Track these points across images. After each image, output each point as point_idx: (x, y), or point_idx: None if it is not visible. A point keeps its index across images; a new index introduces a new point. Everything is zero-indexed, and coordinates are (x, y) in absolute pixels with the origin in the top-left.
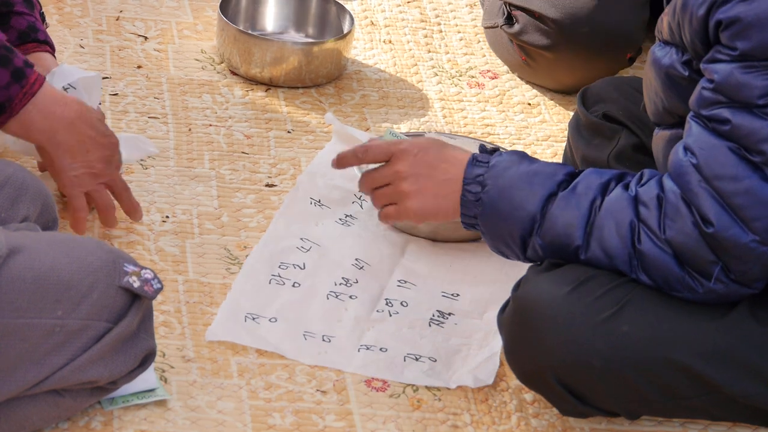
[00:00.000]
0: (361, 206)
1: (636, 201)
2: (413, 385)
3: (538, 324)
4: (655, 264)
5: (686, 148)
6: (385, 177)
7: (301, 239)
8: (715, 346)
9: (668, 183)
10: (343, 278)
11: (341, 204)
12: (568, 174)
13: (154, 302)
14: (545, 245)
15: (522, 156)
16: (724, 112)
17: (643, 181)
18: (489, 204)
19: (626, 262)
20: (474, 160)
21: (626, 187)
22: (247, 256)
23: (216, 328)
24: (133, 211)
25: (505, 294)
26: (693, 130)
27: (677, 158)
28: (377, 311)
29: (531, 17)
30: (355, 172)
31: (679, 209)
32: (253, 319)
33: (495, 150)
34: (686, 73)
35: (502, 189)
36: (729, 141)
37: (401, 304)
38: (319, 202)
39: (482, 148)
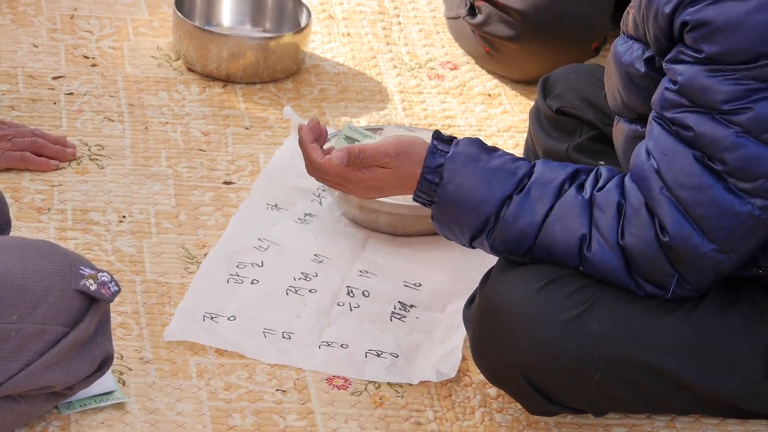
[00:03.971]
0: (320, 203)
1: (590, 205)
2: (375, 382)
3: (507, 322)
4: (600, 269)
5: (648, 152)
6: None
7: (259, 239)
8: (685, 342)
9: (631, 188)
10: (302, 273)
11: (300, 203)
12: (527, 172)
13: (111, 304)
14: (495, 246)
15: (480, 147)
16: (688, 118)
17: (600, 184)
18: (444, 198)
19: (570, 265)
20: (434, 149)
21: (580, 188)
22: (205, 255)
23: (174, 328)
24: (60, 152)
25: (468, 285)
26: (655, 132)
27: (639, 161)
28: (338, 304)
29: (494, 8)
30: None
31: (641, 216)
32: (212, 318)
33: (452, 139)
34: (643, 70)
35: (459, 186)
36: (693, 149)
37: (363, 294)
38: (276, 206)
39: (437, 135)
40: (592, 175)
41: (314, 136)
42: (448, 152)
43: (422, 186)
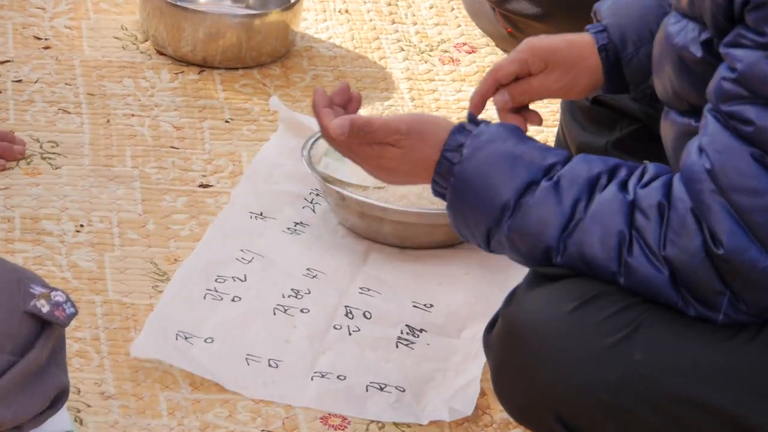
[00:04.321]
0: (313, 210)
1: (632, 207)
2: (378, 422)
3: (534, 349)
4: (644, 283)
5: (701, 149)
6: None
7: (241, 250)
8: (748, 377)
9: (678, 188)
10: (292, 289)
11: (289, 211)
12: (560, 161)
13: (66, 329)
14: (511, 239)
15: (512, 131)
16: (748, 111)
17: (644, 180)
18: (460, 178)
19: (607, 273)
20: (461, 127)
21: (623, 187)
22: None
23: (142, 343)
24: (6, 149)
25: (489, 306)
26: (709, 128)
27: (690, 160)
28: (334, 327)
29: None
30: (308, 170)
31: (687, 224)
32: (186, 338)
33: (484, 122)
34: (699, 55)
35: (479, 164)
36: (751, 146)
37: (364, 315)
38: (261, 214)
39: (471, 117)
40: (637, 172)
41: (342, 100)
42: (472, 131)
43: (440, 168)
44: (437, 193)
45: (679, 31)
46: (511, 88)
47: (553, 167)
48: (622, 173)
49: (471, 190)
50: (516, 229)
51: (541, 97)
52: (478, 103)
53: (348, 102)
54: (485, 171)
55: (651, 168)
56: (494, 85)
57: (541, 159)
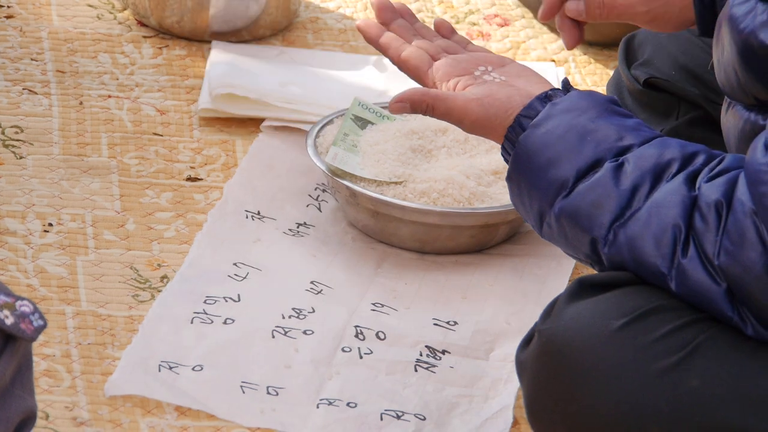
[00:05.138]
0: (319, 209)
1: (694, 203)
2: None
3: (576, 371)
4: (697, 292)
5: (767, 147)
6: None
7: (235, 265)
8: None
9: (742, 188)
10: (293, 309)
11: (291, 210)
12: (638, 142)
13: (34, 344)
14: (560, 221)
15: (600, 102)
16: None
17: (713, 173)
18: (524, 144)
19: (657, 274)
20: (545, 95)
21: (691, 179)
22: (162, 277)
23: (119, 380)
24: None
25: (522, 322)
26: None
27: (754, 159)
28: (343, 350)
29: None
30: (314, 162)
31: (745, 230)
32: (170, 368)
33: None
34: None
35: (545, 135)
36: None
37: (377, 336)
38: (258, 214)
39: (564, 82)
40: (712, 164)
41: (387, 18)
42: (554, 99)
43: (511, 132)
44: (504, 159)
45: (747, 13)
46: (590, 0)
47: (629, 149)
48: (698, 162)
49: (531, 162)
50: (566, 210)
51: (619, 18)
52: (553, 4)
53: (391, 18)
54: (550, 143)
55: (726, 159)
56: None
57: (617, 138)
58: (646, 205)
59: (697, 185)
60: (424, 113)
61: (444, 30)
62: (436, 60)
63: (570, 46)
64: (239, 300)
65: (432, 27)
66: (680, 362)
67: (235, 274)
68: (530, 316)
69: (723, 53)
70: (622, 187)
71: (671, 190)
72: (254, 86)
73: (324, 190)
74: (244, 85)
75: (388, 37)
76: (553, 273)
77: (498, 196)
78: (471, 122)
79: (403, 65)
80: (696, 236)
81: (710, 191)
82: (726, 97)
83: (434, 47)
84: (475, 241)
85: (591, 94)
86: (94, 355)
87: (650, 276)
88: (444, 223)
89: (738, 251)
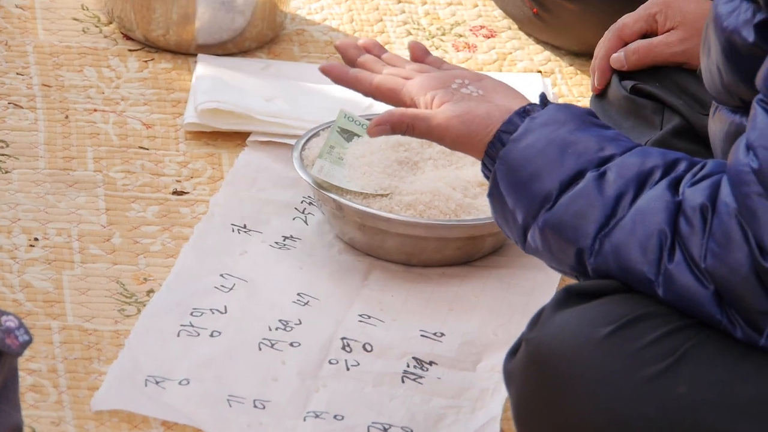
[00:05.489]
0: (305, 221)
1: (678, 210)
2: None
3: (563, 379)
4: (685, 296)
5: (748, 147)
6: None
7: (221, 276)
8: None
9: (725, 192)
10: (280, 321)
11: (277, 222)
12: (619, 152)
13: (19, 359)
14: (544, 234)
15: (577, 115)
16: None
17: (696, 178)
18: (505, 160)
19: (644, 281)
20: (523, 110)
21: (675, 185)
22: (148, 292)
23: (105, 395)
24: None
25: (509, 333)
26: (758, 121)
27: (736, 160)
28: (330, 362)
29: None
30: (300, 174)
31: (730, 231)
32: (157, 382)
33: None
34: (751, 39)
35: (525, 149)
36: None
37: (363, 347)
38: (244, 227)
39: (542, 97)
40: (694, 169)
41: (352, 56)
42: (533, 113)
43: (492, 148)
44: (485, 175)
45: (731, 12)
46: (626, 47)
47: (610, 159)
48: (680, 169)
49: (513, 177)
50: (551, 222)
51: (655, 61)
52: (605, 68)
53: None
54: (531, 157)
55: (709, 165)
56: (619, 45)
57: (598, 149)
58: (630, 212)
59: (680, 191)
60: (404, 133)
61: (419, 52)
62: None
63: (600, 89)
64: (226, 312)
65: (411, 46)
66: (668, 369)
67: (222, 286)
68: (517, 327)
69: (709, 55)
70: (606, 196)
71: (655, 196)
72: (240, 101)
73: (310, 203)
74: (230, 99)
75: (355, 72)
76: (539, 284)
77: (484, 208)
78: (452, 139)
79: (377, 92)
80: (682, 241)
81: (694, 195)
82: (713, 101)
83: (406, 71)
84: (462, 253)
85: (568, 107)
86: (80, 369)
87: (637, 283)
88: (430, 235)
89: (724, 253)
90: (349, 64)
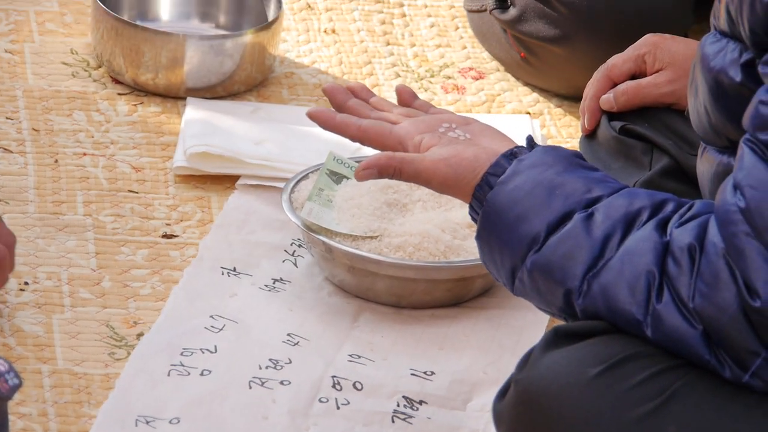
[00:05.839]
0: (295, 264)
1: (665, 250)
2: None
3: (553, 420)
4: (673, 337)
5: (736, 186)
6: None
7: (211, 317)
8: None
9: (712, 232)
10: (270, 360)
11: (267, 265)
12: (606, 194)
13: (9, 403)
14: (532, 275)
15: (564, 157)
16: None
17: (684, 218)
18: (493, 202)
19: (632, 322)
20: (511, 151)
21: (662, 226)
22: (138, 335)
23: None
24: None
25: (499, 372)
26: (745, 160)
27: (724, 199)
28: (320, 401)
29: None
30: (289, 217)
31: (718, 271)
32: (147, 422)
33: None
34: (738, 79)
35: (513, 191)
36: None
37: (354, 386)
38: (234, 270)
39: (528, 140)
40: (682, 210)
41: (340, 101)
42: (520, 156)
43: (479, 191)
44: (472, 218)
45: (717, 52)
46: (615, 89)
47: (598, 200)
48: (668, 209)
49: (500, 220)
50: (539, 264)
51: (644, 102)
52: (595, 109)
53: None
54: (519, 199)
55: (696, 205)
56: (609, 86)
57: (585, 191)
58: (618, 253)
59: (668, 231)
60: (392, 177)
61: (406, 96)
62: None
63: (589, 130)
64: (216, 351)
65: (399, 90)
66: (657, 409)
67: (212, 326)
68: (507, 366)
69: (696, 95)
70: (594, 237)
71: (643, 237)
72: (229, 144)
73: (300, 246)
74: (219, 143)
75: (342, 117)
76: (529, 324)
77: (474, 250)
78: (439, 183)
79: (364, 136)
80: (670, 281)
81: (682, 236)
82: (701, 142)
83: (394, 115)
84: (451, 294)
85: (555, 149)
86: (70, 413)
87: (625, 324)
88: (420, 277)
89: (712, 293)
90: (336, 109)
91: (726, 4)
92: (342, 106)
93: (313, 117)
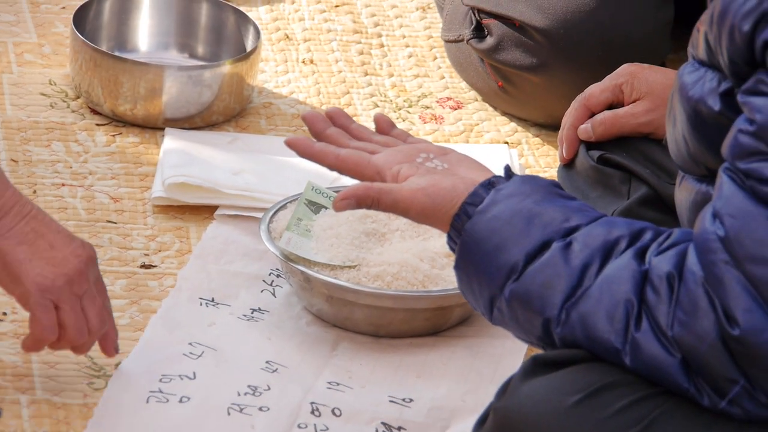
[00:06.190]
0: (273, 294)
1: (644, 279)
2: None
3: None
4: (652, 365)
5: (715, 215)
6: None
7: (190, 344)
8: None
9: (691, 260)
10: (249, 386)
11: (245, 295)
12: (584, 223)
13: None
14: (511, 305)
15: (542, 186)
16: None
17: (662, 247)
18: (471, 232)
19: (611, 350)
20: (489, 181)
21: (641, 254)
22: (117, 365)
23: None
24: (108, 344)
25: (478, 399)
26: (724, 189)
27: (703, 228)
28: (299, 426)
29: (509, 27)
30: (268, 247)
31: (698, 300)
32: None
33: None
34: (717, 108)
35: (491, 221)
36: None
37: (332, 412)
38: (212, 300)
39: (506, 169)
40: (660, 239)
41: (320, 129)
42: (498, 185)
43: (457, 221)
44: (450, 248)
45: (696, 81)
46: (592, 119)
47: (576, 229)
48: (646, 238)
49: (479, 249)
50: (517, 293)
51: (622, 131)
52: (573, 139)
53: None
54: (497, 228)
55: (675, 234)
56: (586, 115)
57: (563, 220)
58: (596, 282)
59: (646, 260)
60: (370, 207)
61: (384, 125)
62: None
63: (568, 159)
64: (195, 377)
65: (377, 119)
66: None
67: (191, 353)
68: (486, 394)
69: (675, 124)
70: (572, 266)
71: (621, 265)
72: (207, 174)
73: (278, 275)
74: (197, 173)
75: (321, 146)
76: (507, 353)
77: (452, 279)
78: (417, 212)
79: (342, 165)
80: (648, 309)
81: (661, 264)
82: (679, 170)
83: (372, 145)
84: (430, 324)
85: (533, 179)
86: None
87: (604, 352)
88: (398, 306)
89: (691, 321)
90: (315, 137)
91: (705, 34)
92: (320, 135)
93: (291, 145)
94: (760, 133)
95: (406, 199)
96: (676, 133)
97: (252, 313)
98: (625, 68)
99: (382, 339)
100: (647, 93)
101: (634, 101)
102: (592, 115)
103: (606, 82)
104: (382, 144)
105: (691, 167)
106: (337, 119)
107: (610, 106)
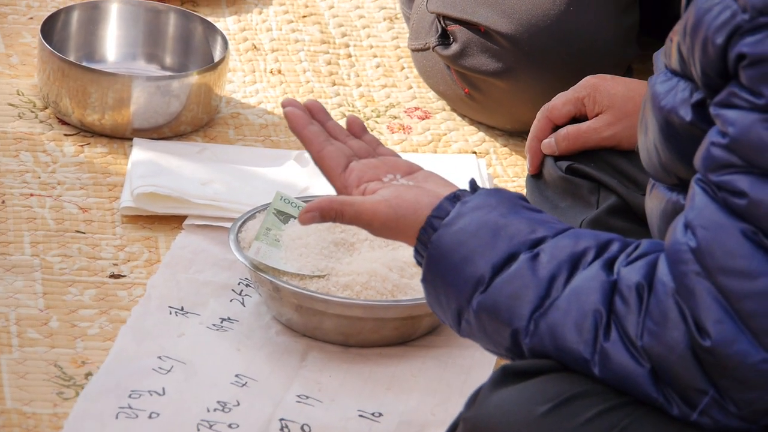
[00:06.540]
0: (242, 303)
1: (613, 289)
2: None
3: None
4: (620, 375)
5: (686, 225)
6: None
7: (159, 358)
8: None
9: (662, 270)
10: (218, 401)
11: (214, 304)
12: (550, 234)
13: None
14: (479, 316)
15: (508, 199)
16: (740, 181)
17: (631, 258)
18: (436, 245)
19: (579, 360)
20: (454, 194)
21: (609, 265)
22: (87, 375)
23: None
24: None
25: (448, 412)
26: (696, 200)
27: (675, 239)
28: None
29: (474, 33)
30: (237, 256)
31: (668, 311)
32: None
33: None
34: (689, 118)
35: (456, 233)
36: (743, 221)
37: (302, 428)
38: (182, 309)
39: (472, 183)
40: (628, 249)
41: (300, 128)
42: (463, 198)
43: (423, 234)
44: (417, 262)
45: (668, 91)
46: (556, 133)
47: (542, 241)
48: (614, 249)
49: (445, 262)
50: (485, 305)
51: (585, 145)
52: (537, 151)
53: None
54: (463, 241)
55: (643, 244)
56: (550, 127)
57: (530, 231)
58: (564, 293)
59: (615, 270)
60: (334, 220)
61: (356, 128)
62: (350, 163)
63: (534, 171)
64: (164, 393)
65: (349, 120)
66: None
67: (160, 368)
68: (455, 406)
69: (646, 133)
70: (540, 277)
71: (589, 276)
72: (176, 184)
73: (247, 285)
74: (166, 183)
75: (312, 132)
76: (477, 363)
77: (421, 289)
78: (380, 224)
79: (321, 162)
80: (617, 319)
81: (630, 275)
82: (650, 179)
83: (348, 151)
84: (399, 333)
85: (499, 192)
86: None
87: (573, 362)
88: (367, 315)
89: (661, 331)
90: (294, 133)
91: (678, 44)
92: (300, 132)
93: (288, 115)
94: (733, 146)
95: (368, 211)
96: (647, 142)
97: (221, 322)
98: (587, 81)
99: (352, 349)
100: (609, 107)
101: (596, 115)
102: (556, 127)
103: (568, 94)
104: (355, 150)
105: (662, 176)
106: (316, 113)
107: (574, 118)
